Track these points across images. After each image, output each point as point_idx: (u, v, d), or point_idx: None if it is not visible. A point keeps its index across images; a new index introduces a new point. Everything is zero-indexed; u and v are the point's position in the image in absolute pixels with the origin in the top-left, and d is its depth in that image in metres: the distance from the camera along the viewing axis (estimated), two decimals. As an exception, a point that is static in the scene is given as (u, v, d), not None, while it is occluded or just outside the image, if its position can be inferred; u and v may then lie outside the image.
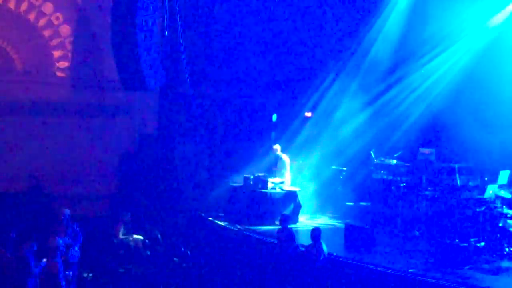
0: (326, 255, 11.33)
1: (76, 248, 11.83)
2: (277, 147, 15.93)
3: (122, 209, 15.21)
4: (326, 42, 17.88)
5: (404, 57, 16.21)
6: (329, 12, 17.65)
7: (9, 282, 10.35)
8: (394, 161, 15.02)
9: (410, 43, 16.05)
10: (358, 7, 17.22)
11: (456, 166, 13.70)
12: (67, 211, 12.33)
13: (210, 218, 15.71)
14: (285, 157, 15.78)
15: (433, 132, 15.86)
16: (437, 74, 15.72)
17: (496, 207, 12.12)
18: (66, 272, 10.66)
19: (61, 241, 10.82)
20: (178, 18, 16.27)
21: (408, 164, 14.93)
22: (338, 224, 15.02)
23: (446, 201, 13.13)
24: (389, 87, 16.47)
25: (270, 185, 15.18)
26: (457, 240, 12.03)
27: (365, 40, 17.13)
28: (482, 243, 12.10)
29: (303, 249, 11.79)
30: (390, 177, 14.88)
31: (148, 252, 14.12)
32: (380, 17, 16.83)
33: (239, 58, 18.22)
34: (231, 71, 18.31)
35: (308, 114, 18.07)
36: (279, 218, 12.78)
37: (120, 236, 14.18)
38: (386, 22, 16.72)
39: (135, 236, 14.39)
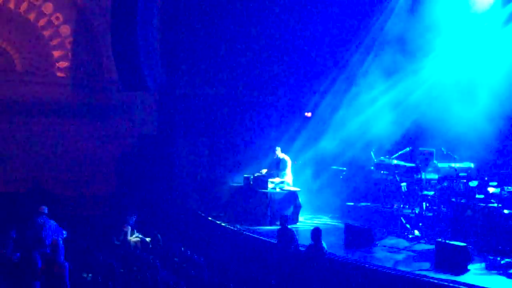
0: (326, 255, 11.32)
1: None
2: (277, 149, 15.90)
3: (123, 210, 15.17)
4: (327, 42, 17.88)
5: (404, 57, 16.19)
6: (330, 11, 17.66)
7: (16, 283, 10.32)
8: (394, 161, 15.02)
9: (410, 42, 16.03)
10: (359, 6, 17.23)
11: (456, 166, 13.69)
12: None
13: (210, 218, 15.71)
14: (286, 158, 15.78)
15: (433, 132, 15.83)
16: (437, 74, 15.70)
17: (496, 207, 12.11)
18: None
19: (61, 240, 10.76)
20: (178, 18, 16.30)
21: (408, 164, 14.93)
22: (338, 224, 15.02)
23: (446, 201, 13.12)
24: (389, 87, 16.46)
25: (270, 185, 15.17)
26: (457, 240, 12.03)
27: (366, 40, 17.14)
28: (482, 243, 12.10)
29: (303, 249, 11.79)
30: (390, 177, 14.90)
31: (148, 252, 14.11)
32: (380, 17, 16.84)
33: (239, 58, 18.21)
34: (231, 71, 18.30)
35: (308, 114, 18.08)
36: (279, 218, 12.78)
37: (129, 237, 14.13)
38: (386, 23, 16.71)
39: (147, 238, 14.36)
